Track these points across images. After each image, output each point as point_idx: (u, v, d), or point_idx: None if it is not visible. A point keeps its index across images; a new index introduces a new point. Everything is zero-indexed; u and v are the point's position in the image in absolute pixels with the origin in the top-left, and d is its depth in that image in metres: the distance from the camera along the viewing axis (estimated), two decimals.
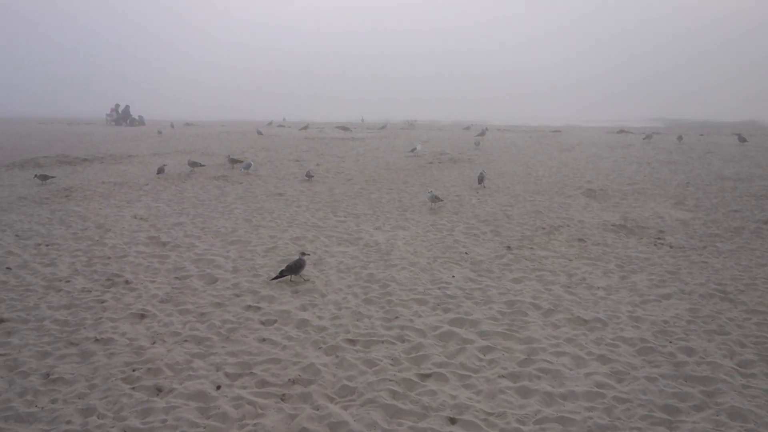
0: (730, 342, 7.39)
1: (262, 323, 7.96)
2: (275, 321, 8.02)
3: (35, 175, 18.84)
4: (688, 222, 13.86)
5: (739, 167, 22.27)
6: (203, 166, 21.46)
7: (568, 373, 6.59)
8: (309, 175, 19.52)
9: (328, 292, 9.12)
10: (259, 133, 39.41)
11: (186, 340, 7.38)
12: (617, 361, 6.87)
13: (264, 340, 7.42)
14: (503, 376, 6.54)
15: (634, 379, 6.44)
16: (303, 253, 9.75)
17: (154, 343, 7.31)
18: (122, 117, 53.86)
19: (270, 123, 56.55)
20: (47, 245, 11.54)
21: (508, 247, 11.74)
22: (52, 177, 18.93)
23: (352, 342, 7.39)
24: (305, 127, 45.82)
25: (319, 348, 7.22)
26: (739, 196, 16.80)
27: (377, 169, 22.16)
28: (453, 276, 9.91)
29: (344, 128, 43.68)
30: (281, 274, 9.49)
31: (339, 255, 11.12)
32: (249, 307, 8.45)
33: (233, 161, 22.12)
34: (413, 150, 24.76)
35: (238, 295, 8.91)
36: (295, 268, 9.53)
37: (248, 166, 21.84)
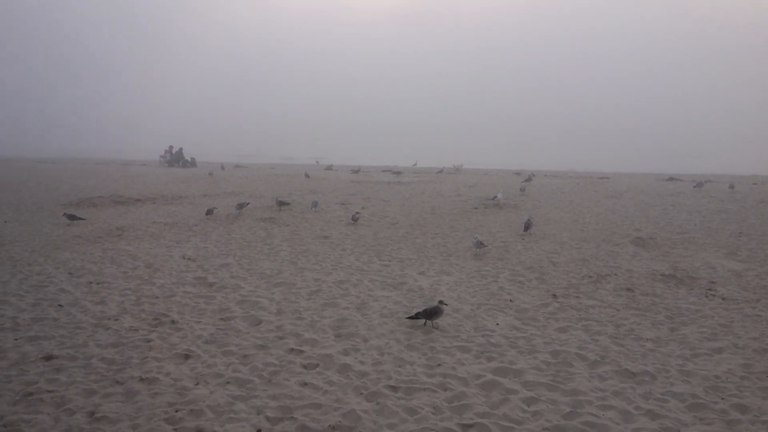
0: None
1: (305, 367, 7.98)
2: (317, 365, 8.04)
3: (63, 214, 19.30)
4: (741, 273, 13.44)
5: None
6: (248, 204, 21.84)
7: (615, 428, 6.41)
8: (354, 219, 19.67)
9: (371, 337, 9.11)
10: (307, 176, 40.02)
11: (228, 382, 7.44)
12: (667, 417, 6.66)
13: (306, 384, 7.44)
14: (547, 429, 6.41)
15: None
16: (441, 302, 9.80)
17: (197, 384, 7.39)
18: (175, 158, 55.37)
19: (330, 166, 57.25)
20: (98, 283, 11.85)
21: (554, 296, 11.58)
22: (82, 219, 19.25)
23: (393, 389, 7.35)
24: (357, 171, 46.28)
25: (361, 394, 7.20)
26: None
27: (422, 213, 22.20)
28: (497, 323, 9.80)
29: (396, 172, 43.99)
30: (416, 316, 9.67)
31: (382, 299, 11.13)
32: (292, 350, 8.50)
33: (281, 203, 22.47)
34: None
35: (281, 338, 8.98)
36: (430, 313, 9.59)
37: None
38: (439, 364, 8.10)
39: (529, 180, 35.38)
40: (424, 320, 9.68)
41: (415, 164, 60.47)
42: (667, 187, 33.45)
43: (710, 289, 12.15)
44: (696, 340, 9.17)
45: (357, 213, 20.28)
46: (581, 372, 7.92)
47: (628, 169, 59.35)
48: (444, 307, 9.70)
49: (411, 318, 9.75)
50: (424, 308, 9.78)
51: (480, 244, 15.20)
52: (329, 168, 54.57)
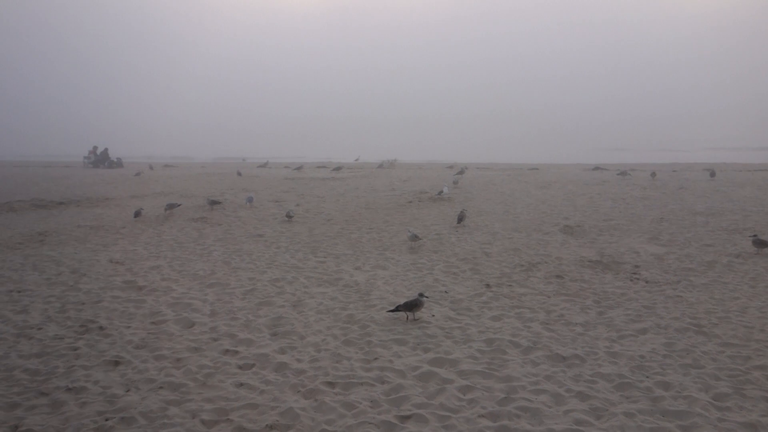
0: (705, 375, 7.46)
1: (240, 367, 7.88)
2: (253, 365, 7.95)
3: None
4: (663, 257, 14.02)
5: (710, 202, 22.63)
6: (179, 205, 21.35)
7: (547, 411, 6.59)
8: (289, 216, 19.51)
9: (308, 334, 9.07)
10: (239, 174, 39.43)
11: (161, 387, 7.28)
12: (596, 397, 6.89)
13: (241, 384, 7.34)
14: (483, 416, 6.53)
15: (613, 415, 6.46)
16: (422, 294, 9.83)
17: (128, 390, 7.20)
18: (100, 159, 53.54)
19: (265, 164, 56.25)
20: (19, 291, 11.37)
21: (488, 285, 11.79)
22: None
23: (331, 385, 7.35)
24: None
25: (298, 392, 7.16)
26: (711, 231, 17.05)
27: (357, 208, 22.22)
28: (433, 315, 9.91)
29: (336, 168, 43.72)
30: (396, 309, 9.68)
31: (318, 296, 11.09)
32: (226, 351, 8.38)
33: (213, 203, 22.08)
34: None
35: (215, 339, 8.83)
36: (411, 306, 9.65)
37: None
38: (376, 358, 8.14)
39: (461, 173, 35.86)
40: (405, 313, 9.74)
41: (358, 159, 60.39)
42: (594, 177, 34.51)
43: (634, 273, 12.62)
44: (622, 323, 9.51)
45: (291, 210, 20.13)
46: (514, 358, 8.10)
47: (558, 161, 60.88)
48: (424, 299, 9.77)
49: (392, 311, 9.80)
50: (405, 301, 9.89)
51: (415, 238, 15.33)
52: (263, 166, 53.84)
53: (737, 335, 8.90)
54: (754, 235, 14.66)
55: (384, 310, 10.16)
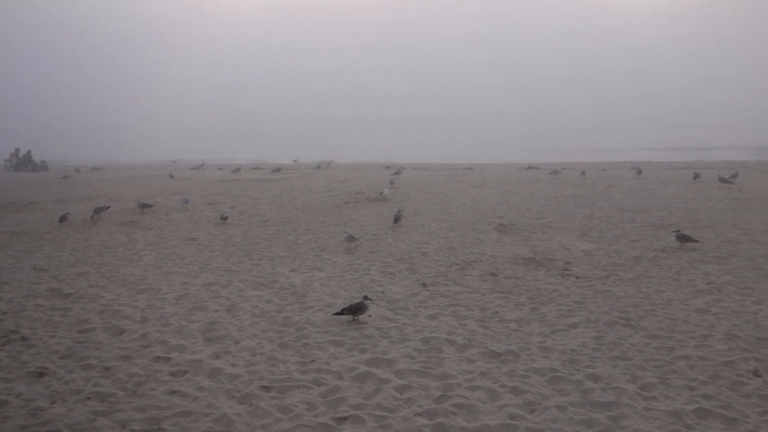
0: (632, 367, 7.73)
1: (172, 374, 7.69)
2: (186, 371, 7.77)
3: None
4: (593, 253, 14.43)
5: (637, 199, 23.45)
6: (108, 208, 20.70)
7: (482, 407, 6.68)
8: (223, 218, 19.18)
9: (242, 338, 8.93)
10: (171, 176, 38.56)
11: (89, 398, 7.03)
12: (529, 392, 7.03)
13: (174, 392, 7.16)
14: (420, 414, 6.56)
15: (545, 408, 6.60)
16: (366, 297, 9.77)
17: (53, 402, 6.92)
18: (23, 162, 51.43)
19: (201, 165, 55.06)
20: None
21: (424, 284, 11.87)
22: None
23: (266, 389, 7.25)
24: (237, 170, 44.79)
25: (233, 397, 7.04)
26: (638, 227, 17.67)
27: (293, 210, 22.04)
28: (369, 315, 9.90)
29: (276, 169, 43.25)
30: (341, 312, 9.63)
31: (254, 299, 10.93)
32: (158, 359, 8.16)
33: (143, 206, 21.50)
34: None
35: (146, 347, 8.59)
36: (355, 309, 9.61)
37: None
38: (312, 360, 8.08)
39: (398, 173, 36.05)
40: (352, 316, 9.68)
41: (296, 160, 59.94)
42: (527, 176, 35.29)
43: (566, 269, 12.95)
44: (554, 318, 9.74)
45: (225, 212, 19.79)
46: (450, 356, 8.19)
47: (493, 160, 61.92)
48: (368, 302, 9.74)
49: (337, 314, 9.71)
50: (349, 304, 9.85)
51: (351, 238, 15.32)
52: (198, 168, 52.71)
53: (662, 327, 9.24)
54: (678, 231, 15.25)
55: (321, 311, 10.11)
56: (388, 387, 7.23)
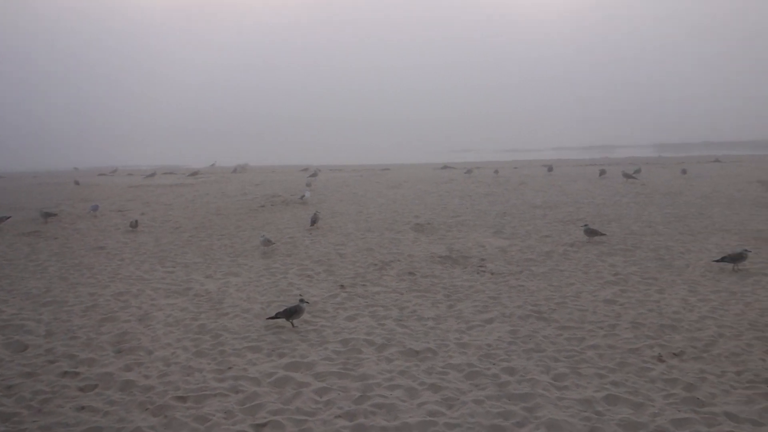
0: (546, 358, 7.97)
1: (81, 389, 7.35)
2: (96, 386, 7.44)
3: None
4: (506, 249, 14.82)
5: (548, 196, 24.28)
6: (8, 218, 19.62)
7: (402, 405, 6.72)
8: (133, 226, 18.53)
9: (156, 348, 8.64)
10: (77, 183, 36.96)
11: None
12: (447, 388, 7.13)
13: (83, 408, 6.84)
14: (340, 416, 6.54)
15: (463, 403, 6.71)
16: (302, 300, 9.54)
17: None
18: None
19: (114, 171, 52.94)
20: None
21: (342, 286, 11.85)
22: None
23: (182, 399, 7.04)
24: (152, 175, 43.38)
25: (146, 409, 6.80)
26: (548, 222, 18.30)
27: (207, 215, 21.55)
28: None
29: (193, 173, 42.19)
30: (276, 316, 9.42)
31: (167, 308, 10.60)
32: (65, 374, 7.78)
33: (47, 215, 20.50)
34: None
35: (52, 362, 8.17)
36: (290, 312, 9.38)
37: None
38: (229, 368, 7.91)
39: (314, 175, 35.92)
40: (288, 320, 9.51)
41: (214, 164, 58.67)
42: (442, 175, 35.87)
43: (481, 266, 13.23)
44: (470, 314, 9.93)
45: (135, 219, 19.13)
46: (370, 357, 8.20)
47: (409, 161, 62.56)
48: (305, 305, 9.59)
49: (272, 318, 9.53)
50: (284, 308, 9.65)
51: (268, 242, 15.12)
52: (106, 174, 50.68)
53: (573, 318, 9.58)
54: (586, 225, 15.88)
55: (238, 318, 9.92)
56: (307, 390, 7.17)
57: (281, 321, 9.55)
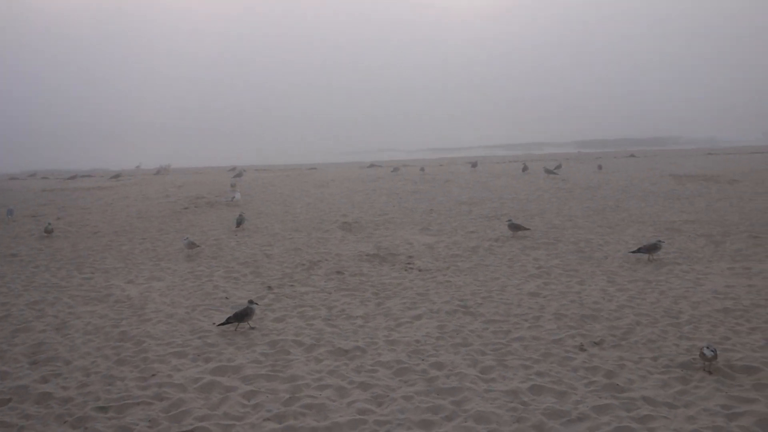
0: (473, 352, 8.11)
1: None
2: (9, 400, 7.08)
3: None
4: (433, 246, 14.99)
5: (473, 192, 24.72)
6: None
7: (331, 405, 6.69)
8: (48, 231, 17.73)
9: (74, 358, 8.29)
10: None
11: None
12: (377, 385, 7.15)
13: None
14: (269, 419, 6.45)
15: (393, 400, 6.75)
16: (251, 301, 9.33)
17: None
18: None
19: (32, 174, 50.31)
20: None
21: (269, 287, 11.70)
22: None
23: (103, 410, 6.79)
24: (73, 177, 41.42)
25: (65, 422, 6.52)
26: (474, 218, 18.63)
27: (128, 218, 20.87)
28: (214, 323, 9.59)
29: (115, 176, 40.62)
30: (227, 321, 9.19)
31: (86, 316, 10.19)
32: None
33: None
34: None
35: None
36: (241, 316, 9.17)
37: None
38: (153, 375, 7.68)
39: (239, 175, 35.36)
40: (236, 324, 9.30)
41: (139, 166, 56.84)
42: (369, 174, 35.96)
43: (409, 263, 13.33)
44: (399, 311, 9.99)
45: (50, 224, 18.31)
46: (298, 357, 8.13)
47: (335, 160, 62.50)
48: (255, 306, 9.42)
49: (222, 324, 9.26)
50: (234, 312, 9.45)
51: (192, 245, 14.76)
52: (17, 178, 48.28)
53: (498, 312, 9.77)
54: (510, 220, 16.24)
55: (161, 323, 9.64)
56: (235, 395, 7.03)
57: (232, 326, 9.37)
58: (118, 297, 11.27)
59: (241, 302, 10.70)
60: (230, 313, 9.85)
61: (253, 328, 9.36)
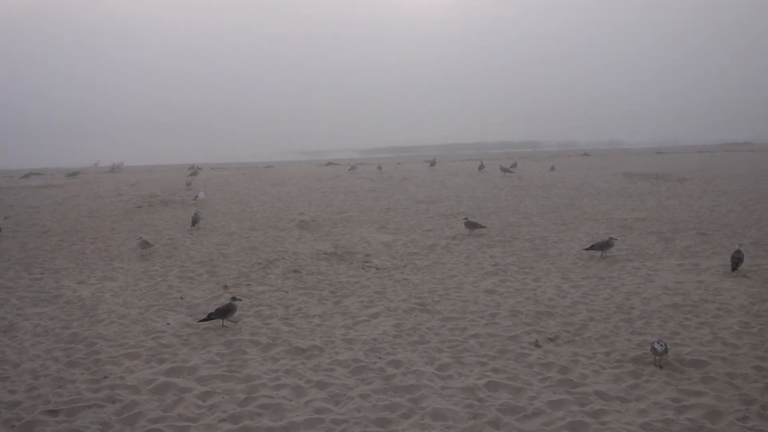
0: (430, 349, 8.15)
1: None
2: None
3: None
4: (391, 244, 15.02)
5: (430, 191, 24.87)
6: None
7: (288, 404, 6.65)
8: None
9: (23, 361, 8.06)
10: None
11: None
12: (334, 384, 7.13)
13: None
14: (224, 420, 6.37)
15: (350, 399, 6.74)
16: (234, 298, 9.48)
17: None
18: None
19: None
20: None
21: (225, 287, 11.57)
22: None
23: (53, 413, 6.62)
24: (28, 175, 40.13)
25: (12, 427, 6.34)
26: (431, 217, 18.74)
27: (79, 217, 20.38)
28: (168, 323, 9.44)
29: (73, 174, 39.54)
30: (209, 317, 9.20)
31: (35, 317, 9.92)
32: None
33: None
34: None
35: None
36: (223, 312, 9.23)
37: None
38: (105, 377, 7.51)
39: (194, 174, 34.86)
40: (221, 320, 9.30)
41: (97, 164, 55.56)
42: (327, 172, 35.86)
43: (366, 262, 13.33)
44: (356, 309, 9.99)
45: None
46: (255, 357, 8.05)
47: (293, 158, 62.14)
48: (237, 303, 9.41)
49: (204, 320, 9.23)
50: (216, 308, 9.43)
51: (145, 244, 14.48)
52: None
53: (455, 309, 9.85)
54: (466, 218, 16.39)
55: (114, 324, 9.44)
56: (189, 396, 6.93)
57: (215, 321, 9.38)
58: (69, 298, 11.00)
59: (196, 302, 10.58)
60: (183, 311, 9.72)
61: (236, 322, 9.40)
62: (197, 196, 23.43)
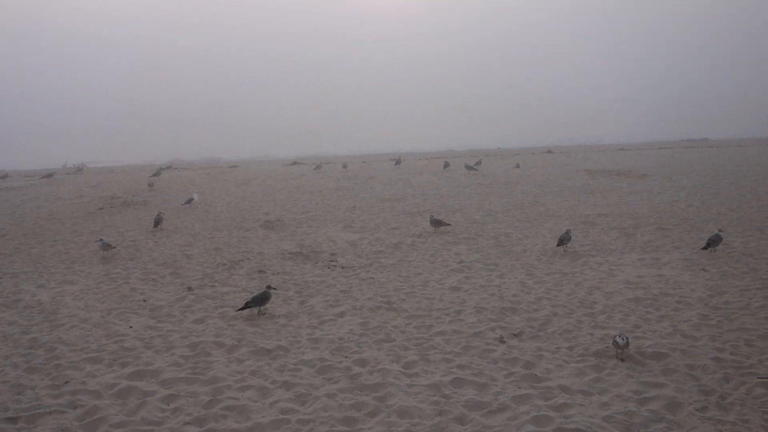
0: (396, 347, 8.18)
1: None
2: None
3: None
4: (356, 243, 15.03)
5: (396, 189, 24.93)
6: None
7: (253, 405, 6.62)
8: None
9: None
10: None
11: None
12: (300, 384, 7.12)
13: None
14: (189, 423, 6.32)
15: (316, 398, 6.74)
16: (269, 286, 9.98)
17: None
18: None
19: None
20: None
21: (189, 288, 11.44)
22: None
23: (12, 420, 6.48)
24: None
25: None
26: (397, 215, 18.80)
27: (38, 220, 19.93)
28: (131, 326, 9.31)
29: (48, 175, 38.50)
30: (246, 305, 9.65)
31: None
32: None
33: None
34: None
35: None
36: (260, 300, 9.69)
37: None
38: (66, 382, 7.38)
39: (157, 174, 34.35)
40: (257, 308, 9.69)
41: (65, 165, 54.26)
42: (292, 171, 35.67)
43: (332, 261, 13.32)
44: (322, 309, 9.98)
45: None
46: (219, 359, 7.99)
47: (257, 157, 61.64)
48: (273, 291, 9.85)
49: (243, 308, 9.60)
50: (253, 296, 9.94)
51: (106, 246, 14.23)
52: None
53: (421, 307, 9.90)
54: (431, 216, 16.46)
55: (75, 328, 9.27)
56: (153, 399, 6.85)
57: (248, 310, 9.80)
58: (28, 302, 10.77)
59: (160, 304, 10.45)
60: (146, 313, 9.59)
61: (264, 313, 9.73)
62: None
